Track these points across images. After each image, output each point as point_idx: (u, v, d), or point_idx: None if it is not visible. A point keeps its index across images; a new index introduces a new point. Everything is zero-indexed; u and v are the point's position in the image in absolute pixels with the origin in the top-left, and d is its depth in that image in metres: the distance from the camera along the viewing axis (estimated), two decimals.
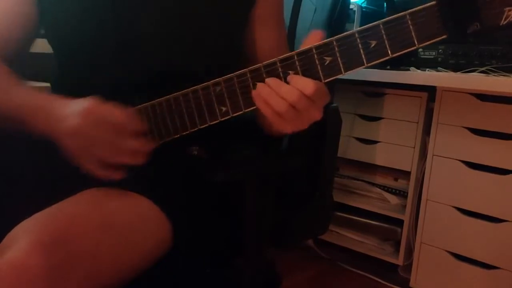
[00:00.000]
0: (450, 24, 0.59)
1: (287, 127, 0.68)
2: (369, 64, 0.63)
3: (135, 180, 0.75)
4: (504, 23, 0.57)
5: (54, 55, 0.93)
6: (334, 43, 0.63)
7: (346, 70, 0.64)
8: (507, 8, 0.56)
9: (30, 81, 1.50)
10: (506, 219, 1.59)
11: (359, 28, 0.62)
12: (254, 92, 0.67)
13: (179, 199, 0.77)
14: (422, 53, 1.75)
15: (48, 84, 1.40)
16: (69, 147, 0.70)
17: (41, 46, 0.94)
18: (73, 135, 0.69)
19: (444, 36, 0.60)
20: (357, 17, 1.88)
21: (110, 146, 0.68)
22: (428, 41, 0.61)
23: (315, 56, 0.64)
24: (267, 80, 0.66)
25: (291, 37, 1.11)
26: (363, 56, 0.63)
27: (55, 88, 0.97)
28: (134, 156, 0.70)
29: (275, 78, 0.66)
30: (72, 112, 0.69)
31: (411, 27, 0.60)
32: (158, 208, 0.71)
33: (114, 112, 0.69)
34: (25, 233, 0.58)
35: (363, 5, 1.95)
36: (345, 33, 0.63)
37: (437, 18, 0.59)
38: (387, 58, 0.62)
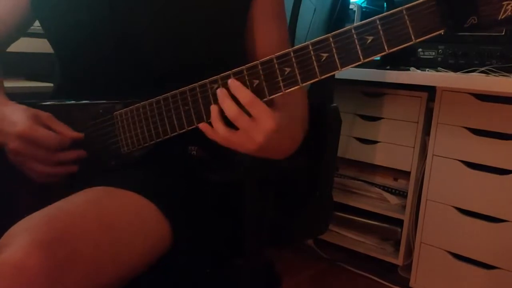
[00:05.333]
0: (447, 19, 0.58)
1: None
2: (365, 60, 0.62)
3: (135, 180, 0.76)
4: (502, 18, 0.56)
5: (55, 55, 0.93)
6: (331, 39, 0.63)
7: (343, 66, 0.63)
8: (506, 2, 0.55)
9: (30, 81, 1.50)
10: (506, 219, 1.59)
11: (355, 24, 0.62)
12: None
13: (179, 199, 0.77)
14: (422, 53, 1.75)
15: (48, 84, 1.40)
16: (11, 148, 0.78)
17: (41, 46, 0.94)
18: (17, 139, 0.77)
19: (441, 31, 0.59)
20: (357, 17, 1.87)
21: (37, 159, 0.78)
22: (425, 36, 0.60)
23: (312, 52, 0.64)
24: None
25: (291, 38, 1.10)
26: (359, 52, 0.62)
27: (57, 88, 0.97)
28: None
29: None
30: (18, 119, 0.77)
31: (407, 22, 0.59)
32: (157, 208, 0.71)
33: (44, 133, 0.77)
34: (24, 232, 0.58)
35: (363, 5, 1.95)
36: (341, 29, 0.62)
37: (434, 13, 0.58)
38: (383, 53, 0.61)
